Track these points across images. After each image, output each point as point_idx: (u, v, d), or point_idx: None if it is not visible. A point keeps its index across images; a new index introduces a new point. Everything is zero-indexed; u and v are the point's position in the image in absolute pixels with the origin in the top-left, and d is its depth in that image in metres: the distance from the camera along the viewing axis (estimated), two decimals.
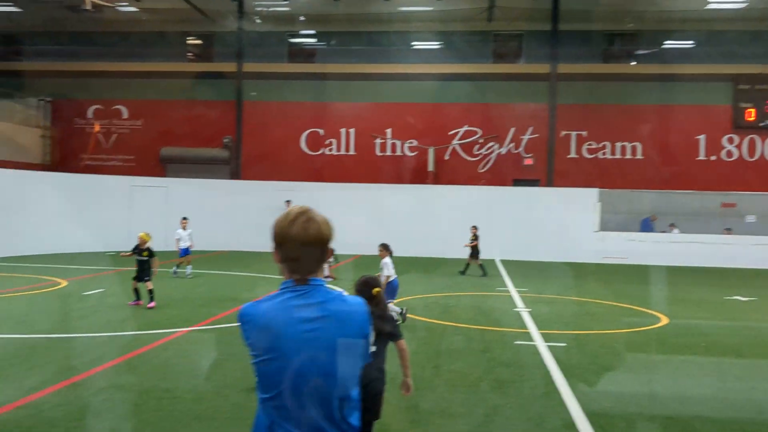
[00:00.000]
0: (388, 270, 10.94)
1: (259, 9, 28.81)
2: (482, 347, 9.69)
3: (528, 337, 10.49)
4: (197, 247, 18.74)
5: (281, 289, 2.14)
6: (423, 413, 6.47)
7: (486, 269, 19.41)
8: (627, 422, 6.38)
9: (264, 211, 25.47)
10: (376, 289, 4.40)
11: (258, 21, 29.29)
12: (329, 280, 16.94)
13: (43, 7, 27.58)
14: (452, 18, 28.14)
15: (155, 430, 5.89)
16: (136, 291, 12.28)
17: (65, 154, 29.25)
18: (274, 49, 29.09)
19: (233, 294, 14.32)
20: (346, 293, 2.37)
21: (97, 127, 29.12)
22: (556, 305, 13.97)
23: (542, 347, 9.73)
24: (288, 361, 2.03)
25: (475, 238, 19.78)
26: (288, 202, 25.34)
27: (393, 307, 10.84)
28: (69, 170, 27.02)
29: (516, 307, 13.56)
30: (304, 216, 2.12)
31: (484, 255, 25.58)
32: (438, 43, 28.98)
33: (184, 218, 17.37)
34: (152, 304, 11.95)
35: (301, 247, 2.09)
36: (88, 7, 26.31)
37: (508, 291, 16.10)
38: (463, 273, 19.49)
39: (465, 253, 25.77)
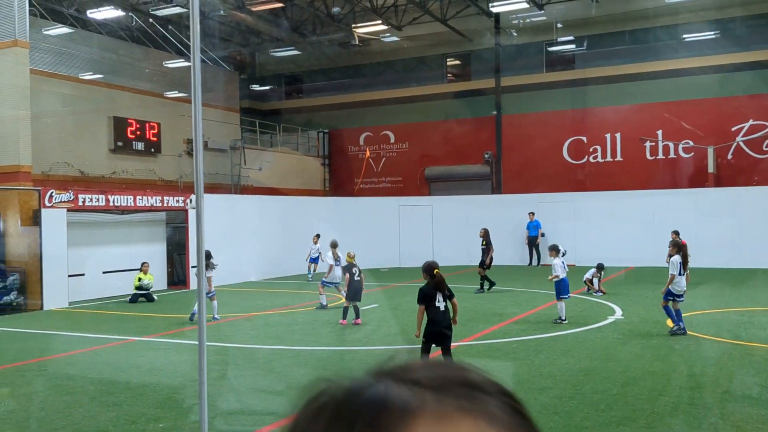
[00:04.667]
0: (555, 270, 12.11)
1: (515, 22, 28.69)
2: None
3: None
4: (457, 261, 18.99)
5: None
6: None
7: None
8: None
9: (522, 225, 25.15)
10: (436, 270, 7.73)
11: (514, 34, 29.17)
12: (599, 294, 16.07)
13: (318, 47, 30.30)
14: (729, 3, 25.42)
15: None
16: (346, 310, 12.69)
17: (342, 179, 31.67)
18: (532, 60, 28.70)
19: (499, 309, 14.19)
20: None
21: (368, 153, 31.11)
22: None
23: None
24: None
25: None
26: (531, 214, 24.73)
27: (561, 307, 12.06)
28: (345, 194, 29.20)
29: None
30: None
31: None
32: (713, 32, 26.34)
33: (317, 235, 21.09)
34: (358, 321, 12.48)
35: None
36: (356, 41, 28.35)
37: None
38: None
39: (750, 264, 22.97)
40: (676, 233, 18.35)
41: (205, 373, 3.49)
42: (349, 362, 9.56)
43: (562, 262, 12.29)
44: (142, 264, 17.60)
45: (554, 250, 12.45)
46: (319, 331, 12.06)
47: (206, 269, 13.37)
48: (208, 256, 13.04)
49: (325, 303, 14.91)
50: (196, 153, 4.33)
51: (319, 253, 20.61)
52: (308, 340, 11.17)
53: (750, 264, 22.23)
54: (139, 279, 17.36)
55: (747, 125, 24.92)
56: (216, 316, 13.35)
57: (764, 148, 24.75)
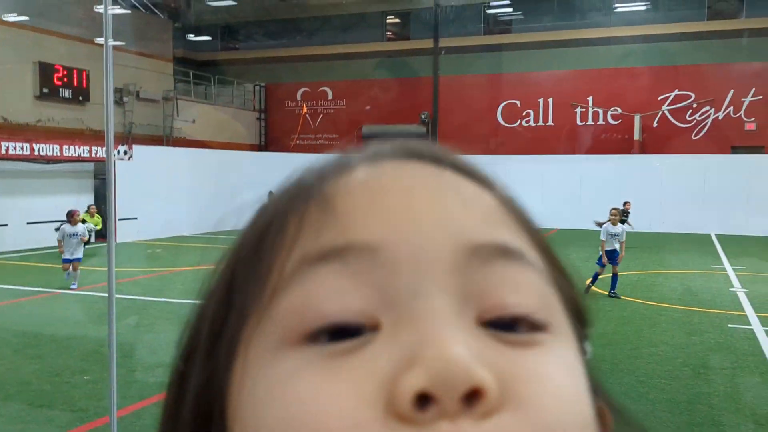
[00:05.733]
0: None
1: None
2: (689, 330, 8.98)
3: (744, 320, 9.56)
4: None
5: None
6: (618, 397, 6.13)
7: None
8: None
9: None
10: None
11: None
12: None
13: None
14: None
15: None
16: None
17: (277, 135, 31.37)
18: (470, 23, 28.85)
19: None
20: None
21: (304, 109, 30.84)
22: None
23: (760, 332, 8.82)
24: None
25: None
26: None
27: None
28: (280, 150, 28.97)
29: (732, 286, 12.42)
30: None
31: (700, 228, 23.61)
32: (644, 3, 27.01)
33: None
34: None
35: None
36: None
37: (723, 269, 14.78)
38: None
39: (669, 228, 23.97)
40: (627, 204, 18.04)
41: (114, 324, 3.58)
42: None
43: None
44: (89, 206, 16.52)
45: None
46: None
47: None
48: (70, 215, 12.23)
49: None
50: (107, 103, 4.30)
51: None
52: None
53: (668, 229, 23.30)
54: (84, 221, 16.34)
55: (672, 95, 25.82)
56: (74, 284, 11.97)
57: (687, 118, 25.74)
